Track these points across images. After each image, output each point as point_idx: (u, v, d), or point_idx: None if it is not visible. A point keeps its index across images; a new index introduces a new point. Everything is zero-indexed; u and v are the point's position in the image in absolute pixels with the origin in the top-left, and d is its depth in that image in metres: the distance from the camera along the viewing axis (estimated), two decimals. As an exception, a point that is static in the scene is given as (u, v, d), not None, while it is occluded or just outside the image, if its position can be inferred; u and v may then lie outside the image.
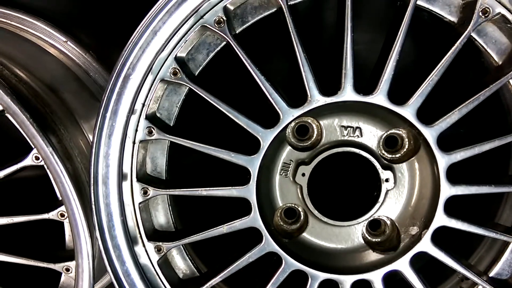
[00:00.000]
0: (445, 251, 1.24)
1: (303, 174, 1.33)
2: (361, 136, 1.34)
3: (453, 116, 1.20)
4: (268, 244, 1.26)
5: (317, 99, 1.22)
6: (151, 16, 1.17)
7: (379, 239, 1.35)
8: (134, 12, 1.26)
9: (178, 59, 1.25)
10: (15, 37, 1.73)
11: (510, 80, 1.25)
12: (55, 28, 1.78)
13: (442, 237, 1.26)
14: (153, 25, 1.17)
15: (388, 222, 1.35)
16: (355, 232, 1.36)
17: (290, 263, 1.25)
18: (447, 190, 1.22)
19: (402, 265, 1.25)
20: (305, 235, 1.37)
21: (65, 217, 1.27)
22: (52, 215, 1.28)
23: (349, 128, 1.34)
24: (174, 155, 1.37)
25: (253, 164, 1.25)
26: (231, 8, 1.25)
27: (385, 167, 1.32)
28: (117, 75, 1.18)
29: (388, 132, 1.32)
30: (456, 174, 1.25)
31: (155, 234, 1.32)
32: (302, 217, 1.36)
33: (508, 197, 1.40)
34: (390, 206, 1.35)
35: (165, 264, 1.33)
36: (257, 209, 1.26)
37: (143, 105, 1.25)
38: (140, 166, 1.30)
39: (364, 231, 1.36)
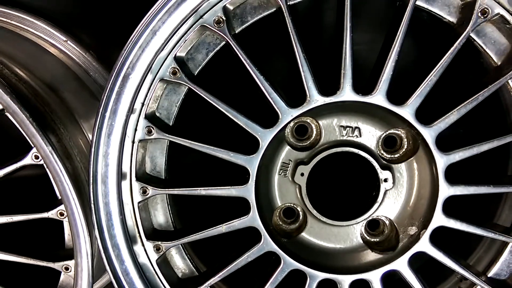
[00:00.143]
0: (444, 251, 1.24)
1: (302, 174, 1.33)
2: (360, 136, 1.35)
3: (452, 117, 1.20)
4: (267, 243, 1.26)
5: (316, 99, 1.23)
6: (151, 15, 1.17)
7: (377, 239, 1.35)
8: (134, 12, 1.26)
9: (177, 59, 1.25)
10: (15, 36, 1.73)
11: (509, 81, 1.26)
12: (55, 28, 1.78)
13: (441, 237, 1.26)
14: (152, 24, 1.17)
15: (387, 222, 1.35)
16: (353, 232, 1.36)
17: (288, 263, 1.26)
18: (445, 190, 1.22)
19: (401, 265, 1.25)
20: (304, 234, 1.37)
21: (65, 216, 1.28)
22: (52, 214, 1.29)
23: (348, 128, 1.35)
24: (174, 154, 1.37)
25: (252, 163, 1.25)
26: (231, 8, 1.25)
27: (383, 167, 1.33)
28: (116, 75, 1.18)
29: (387, 132, 1.32)
30: (455, 174, 1.25)
31: (154, 233, 1.33)
32: (301, 217, 1.36)
33: (507, 197, 1.40)
34: (389, 206, 1.35)
35: (164, 263, 1.33)
36: (256, 209, 1.26)
37: (143, 104, 1.26)
38: (140, 165, 1.30)
39: (363, 231, 1.36)
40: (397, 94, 1.24)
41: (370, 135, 1.34)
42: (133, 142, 1.26)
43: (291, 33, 1.20)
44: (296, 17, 1.25)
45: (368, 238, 1.35)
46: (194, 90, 1.25)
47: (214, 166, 1.33)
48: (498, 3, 1.18)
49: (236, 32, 1.30)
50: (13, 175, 1.32)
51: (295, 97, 1.26)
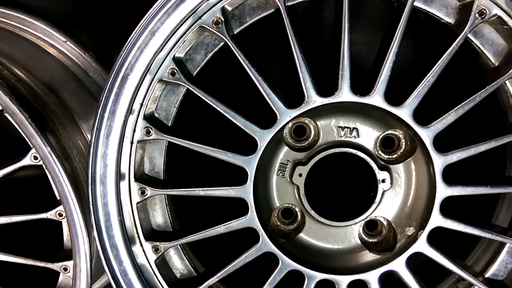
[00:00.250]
0: (441, 251, 1.24)
1: (300, 175, 1.34)
2: (358, 136, 1.35)
3: (449, 117, 1.20)
4: (265, 244, 1.26)
5: (314, 100, 1.23)
6: (149, 16, 1.17)
7: (375, 240, 1.35)
8: (133, 12, 1.27)
9: (176, 60, 1.25)
10: (14, 36, 1.74)
11: (507, 82, 1.26)
12: (54, 28, 1.79)
13: (439, 238, 1.27)
14: (151, 25, 1.18)
15: (385, 222, 1.35)
16: (351, 233, 1.37)
17: (287, 263, 1.26)
18: (443, 191, 1.22)
19: (398, 265, 1.25)
20: (302, 235, 1.37)
21: (63, 216, 1.28)
22: (50, 214, 1.29)
23: (346, 129, 1.35)
24: (172, 155, 1.38)
25: (250, 164, 1.25)
26: (229, 9, 1.25)
27: (381, 168, 1.33)
28: (115, 75, 1.19)
29: (384, 133, 1.32)
30: (453, 174, 1.26)
31: (152, 234, 1.33)
32: (299, 218, 1.36)
33: (505, 198, 1.40)
34: (387, 206, 1.35)
35: (163, 264, 1.34)
36: (254, 209, 1.26)
37: (141, 105, 1.26)
38: (138, 166, 1.30)
39: (361, 231, 1.36)
40: (395, 95, 1.24)
41: (368, 135, 1.35)
42: (131, 142, 1.27)
43: (289, 34, 1.21)
44: (294, 17, 1.26)
45: (366, 238, 1.36)
46: (192, 91, 1.25)
47: (212, 167, 1.33)
48: (496, 4, 1.18)
49: (235, 33, 1.30)
50: (12, 176, 1.32)
51: (294, 97, 1.26)
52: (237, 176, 1.29)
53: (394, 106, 1.21)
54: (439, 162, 1.22)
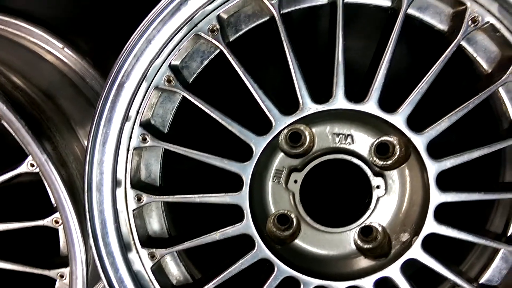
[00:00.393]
0: (436, 257, 1.25)
1: (296, 181, 1.35)
2: (353, 143, 1.36)
3: (442, 124, 1.21)
4: (261, 250, 1.27)
5: (309, 107, 1.24)
6: (145, 24, 1.18)
7: (370, 246, 1.36)
8: (131, 18, 1.28)
9: (172, 67, 1.26)
10: (11, 43, 1.75)
11: (500, 88, 1.27)
12: (52, 34, 1.80)
13: (434, 244, 1.27)
14: (147, 33, 1.19)
15: (380, 228, 1.36)
16: (347, 239, 1.37)
17: (282, 270, 1.26)
18: (437, 197, 1.23)
19: (393, 271, 1.26)
20: (297, 241, 1.38)
21: (60, 223, 1.28)
22: (47, 221, 1.29)
23: (340, 135, 1.36)
24: (168, 161, 1.38)
25: (246, 171, 1.26)
26: (225, 16, 1.26)
27: (376, 174, 1.34)
28: (111, 83, 1.20)
29: (379, 139, 1.33)
30: (448, 180, 1.27)
31: (148, 241, 1.33)
32: (294, 224, 1.37)
33: (500, 204, 1.41)
34: (382, 212, 1.36)
35: (159, 270, 1.34)
36: (250, 216, 1.27)
37: (138, 112, 1.27)
38: (134, 172, 1.31)
39: (356, 237, 1.37)
40: (390, 101, 1.25)
41: (362, 142, 1.35)
42: (128, 149, 1.27)
43: (284, 42, 1.22)
44: (290, 24, 1.27)
45: (361, 244, 1.36)
46: (188, 98, 1.26)
47: (209, 172, 1.34)
48: (489, 11, 1.19)
49: (231, 40, 1.31)
50: (10, 182, 1.33)
51: (289, 103, 1.27)
52: (234, 181, 1.29)
53: (388, 113, 1.22)
54: (433, 168, 1.23)
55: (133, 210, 1.29)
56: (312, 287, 1.27)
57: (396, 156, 1.32)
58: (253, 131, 1.25)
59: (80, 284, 1.27)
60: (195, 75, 1.33)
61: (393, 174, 1.35)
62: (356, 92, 1.27)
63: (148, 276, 1.29)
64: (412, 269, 1.30)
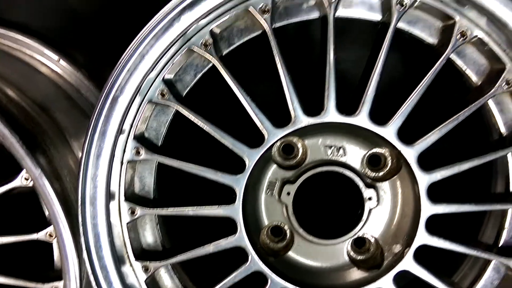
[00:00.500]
0: (428, 269, 1.26)
1: (288, 193, 1.35)
2: (345, 155, 1.37)
3: (432, 136, 1.22)
4: (254, 263, 1.27)
5: (301, 120, 1.25)
6: (139, 40, 1.19)
7: (363, 257, 1.36)
8: (126, 30, 1.29)
9: (165, 81, 1.27)
10: (7, 56, 1.76)
11: (489, 101, 1.29)
12: (47, 47, 1.81)
13: (427, 254, 1.28)
14: (140, 48, 1.20)
15: (372, 240, 1.37)
16: (339, 250, 1.38)
17: (276, 282, 1.27)
18: (428, 209, 1.24)
19: (386, 283, 1.26)
20: (290, 253, 1.39)
21: (54, 237, 1.29)
22: (41, 235, 1.30)
23: (333, 147, 1.37)
24: (162, 173, 1.39)
25: (239, 183, 1.27)
26: (218, 31, 1.28)
27: (368, 186, 1.35)
28: (105, 97, 1.21)
29: (371, 151, 1.34)
30: (441, 191, 1.28)
31: (142, 254, 1.34)
32: (288, 235, 1.37)
33: (491, 215, 1.42)
34: (374, 224, 1.37)
35: (153, 283, 1.34)
36: (243, 229, 1.27)
37: (131, 125, 1.28)
38: (128, 185, 1.32)
39: (349, 248, 1.38)
40: (382, 112, 1.26)
41: (354, 154, 1.37)
42: (121, 162, 1.28)
43: (276, 56, 1.24)
44: (283, 36, 1.28)
45: (354, 256, 1.37)
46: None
47: (204, 183, 1.34)
48: (477, 25, 1.21)
49: (224, 54, 1.33)
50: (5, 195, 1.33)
51: (283, 115, 1.28)
52: (229, 192, 1.30)
53: (379, 126, 1.24)
54: (424, 180, 1.24)
55: (127, 223, 1.29)
56: (305, 299, 1.27)
57: (388, 168, 1.33)
58: (246, 143, 1.26)
59: (73, 298, 1.27)
60: (188, 88, 1.34)
61: (385, 186, 1.36)
62: (350, 103, 1.29)
63: (142, 289, 1.30)
64: (405, 280, 1.31)
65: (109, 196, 1.27)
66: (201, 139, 1.32)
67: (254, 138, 1.28)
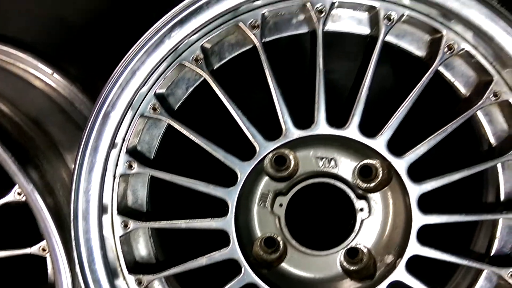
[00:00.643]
0: (421, 279, 1.27)
1: (281, 205, 1.36)
2: (336, 166, 1.38)
3: (422, 148, 1.24)
4: (247, 275, 1.28)
5: (292, 133, 1.26)
6: (130, 56, 1.21)
7: (356, 267, 1.37)
8: (120, 43, 1.30)
9: (157, 95, 1.28)
10: (0, 70, 1.77)
11: (478, 112, 1.30)
12: (41, 60, 1.82)
13: (421, 264, 1.29)
14: (131, 65, 1.21)
15: (365, 250, 1.38)
16: (332, 261, 1.38)
17: (268, 294, 1.28)
18: (419, 220, 1.25)
19: (378, 293, 1.27)
20: (283, 265, 1.39)
21: (47, 251, 1.29)
22: (34, 250, 1.30)
23: (324, 159, 1.38)
24: (155, 186, 1.40)
25: (231, 196, 1.28)
26: (208, 46, 1.29)
27: (359, 197, 1.36)
28: (96, 113, 1.22)
29: (362, 162, 1.36)
30: (433, 200, 1.29)
31: (135, 267, 1.34)
32: (281, 247, 1.38)
33: (483, 224, 1.43)
34: (366, 235, 1.38)
35: (146, 296, 1.35)
36: (236, 241, 1.28)
37: (124, 139, 1.28)
38: (121, 199, 1.32)
39: (342, 259, 1.38)
40: (373, 122, 1.28)
41: (346, 165, 1.38)
42: (114, 176, 1.29)
43: (266, 70, 1.25)
44: (275, 48, 1.30)
45: (347, 266, 1.38)
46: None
47: (197, 195, 1.35)
48: (464, 38, 1.23)
49: (215, 68, 1.34)
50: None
51: (275, 127, 1.29)
52: (221, 204, 1.31)
53: (369, 138, 1.25)
54: (414, 191, 1.25)
55: (120, 237, 1.30)
56: (298, 310, 1.28)
57: (379, 179, 1.35)
58: (238, 156, 1.27)
59: (66, 313, 1.27)
60: (180, 102, 1.35)
61: (376, 197, 1.38)
62: (341, 113, 1.30)
63: (135, 303, 1.30)
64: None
65: (102, 210, 1.27)
66: (194, 152, 1.33)
67: (246, 150, 1.30)
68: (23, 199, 1.26)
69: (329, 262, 1.39)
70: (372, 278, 1.33)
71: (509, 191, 1.33)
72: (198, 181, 1.28)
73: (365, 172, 1.37)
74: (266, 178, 1.40)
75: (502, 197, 1.34)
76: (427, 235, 1.28)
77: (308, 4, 1.23)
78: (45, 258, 1.38)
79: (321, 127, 1.25)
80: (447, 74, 1.31)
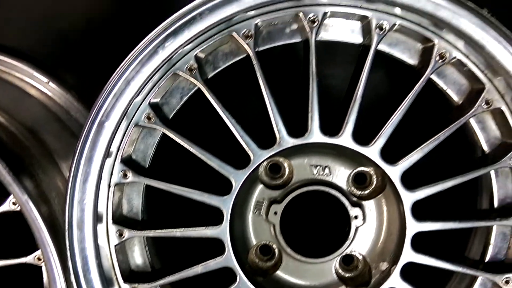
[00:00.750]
0: (416, 286, 1.27)
1: (276, 213, 1.37)
2: (331, 174, 1.39)
3: (415, 156, 1.25)
4: (243, 283, 1.28)
5: (286, 141, 1.27)
6: (124, 66, 1.21)
7: (352, 274, 1.38)
8: (116, 51, 1.31)
9: (152, 104, 1.29)
10: (-3, 80, 1.77)
11: (471, 119, 1.31)
12: (37, 69, 1.82)
13: (417, 271, 1.29)
14: (126, 75, 1.22)
15: (360, 257, 1.38)
16: (328, 269, 1.39)
17: (264, 302, 1.28)
18: (413, 227, 1.26)
19: (373, 301, 1.28)
20: (279, 273, 1.39)
21: (42, 261, 1.29)
22: (29, 259, 1.30)
23: (318, 167, 1.39)
24: (151, 194, 1.40)
25: (226, 204, 1.28)
26: (202, 55, 1.30)
27: (354, 204, 1.36)
28: (91, 123, 1.22)
29: (356, 170, 1.36)
30: (427, 207, 1.29)
31: (131, 275, 1.34)
32: (276, 254, 1.38)
33: (477, 231, 1.43)
34: (361, 242, 1.38)
35: (142, 305, 1.35)
36: (231, 249, 1.28)
37: (118, 149, 1.29)
38: (116, 207, 1.33)
39: (338, 266, 1.39)
40: (368, 130, 1.28)
41: (340, 173, 1.39)
42: (109, 185, 1.29)
43: (259, 79, 1.26)
44: (270, 55, 1.31)
45: (342, 273, 1.38)
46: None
47: (192, 203, 1.35)
48: (455, 47, 1.24)
49: (209, 77, 1.35)
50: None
51: (269, 136, 1.30)
52: (216, 211, 1.31)
53: (362, 146, 1.26)
54: (408, 198, 1.25)
55: (115, 245, 1.30)
56: (293, 318, 1.28)
57: (374, 186, 1.35)
58: (233, 164, 1.28)
59: (61, 322, 1.27)
60: (175, 110, 1.36)
61: (370, 204, 1.38)
62: (336, 119, 1.30)
63: (131, 312, 1.30)
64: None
65: (97, 219, 1.27)
66: (189, 160, 1.34)
67: (241, 158, 1.30)
68: (18, 208, 1.26)
69: (324, 270, 1.39)
70: (367, 285, 1.34)
71: (503, 197, 1.34)
72: (193, 190, 1.29)
73: (359, 179, 1.37)
74: (260, 186, 1.40)
75: (495, 204, 1.34)
76: (422, 242, 1.29)
77: (301, 14, 1.24)
78: (41, 268, 1.38)
79: (315, 135, 1.26)
80: (440, 82, 1.32)
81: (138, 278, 1.34)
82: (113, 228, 1.29)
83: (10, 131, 1.44)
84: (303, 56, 1.35)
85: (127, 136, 1.29)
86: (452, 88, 1.33)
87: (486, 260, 1.34)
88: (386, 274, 1.31)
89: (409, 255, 1.26)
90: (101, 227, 1.28)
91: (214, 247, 1.31)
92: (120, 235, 1.30)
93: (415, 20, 1.23)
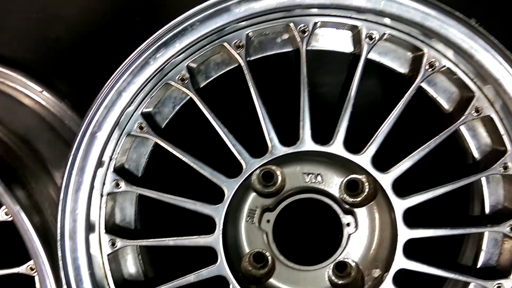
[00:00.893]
0: (408, 292, 1.28)
1: (268, 221, 1.37)
2: (323, 181, 1.39)
3: (406, 163, 1.25)
4: (236, 292, 1.28)
5: (277, 150, 1.28)
6: (115, 77, 1.21)
7: (345, 281, 1.38)
8: (109, 59, 1.31)
9: (144, 114, 1.30)
10: (-10, 90, 1.77)
11: (461, 127, 1.32)
12: (30, 78, 1.83)
13: (410, 277, 1.30)
14: (117, 85, 1.22)
15: (353, 264, 1.39)
16: (321, 276, 1.39)
17: (257, 310, 1.28)
18: (404, 234, 1.26)
19: (366, 308, 1.28)
20: (272, 280, 1.40)
21: (35, 271, 1.29)
22: (22, 269, 1.30)
23: (311, 175, 1.40)
24: (144, 203, 1.40)
25: (219, 213, 1.28)
26: (194, 65, 1.31)
27: (346, 212, 1.37)
28: (82, 134, 1.22)
29: (348, 177, 1.37)
30: (419, 214, 1.30)
31: (124, 285, 1.34)
32: (270, 262, 1.39)
33: (470, 237, 1.44)
34: (353, 249, 1.39)
35: (134, 315, 1.35)
36: (224, 258, 1.28)
37: (111, 158, 1.29)
38: (109, 217, 1.33)
39: (331, 273, 1.39)
40: (359, 137, 1.29)
41: (332, 180, 1.39)
42: (101, 195, 1.29)
43: (251, 88, 1.27)
44: (263, 63, 1.32)
45: (335, 280, 1.38)
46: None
47: (185, 211, 1.35)
48: (445, 56, 1.25)
49: (201, 86, 1.36)
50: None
51: (261, 144, 1.31)
52: (209, 220, 1.31)
53: (354, 154, 1.27)
54: (399, 206, 1.26)
55: (108, 255, 1.30)
56: (286, 327, 1.28)
57: (366, 193, 1.36)
58: (225, 173, 1.28)
59: (54, 333, 1.27)
60: (167, 120, 1.36)
61: (363, 212, 1.39)
62: (328, 125, 1.31)
63: (123, 322, 1.30)
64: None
65: (89, 228, 1.27)
66: (181, 169, 1.34)
67: (233, 166, 1.30)
68: (10, 219, 1.26)
69: (317, 277, 1.39)
70: (360, 293, 1.35)
71: (494, 204, 1.35)
72: (186, 199, 1.29)
73: (351, 187, 1.38)
74: (253, 194, 1.41)
75: (487, 210, 1.35)
76: (414, 249, 1.29)
77: (292, 24, 1.25)
78: (33, 278, 1.38)
79: (307, 143, 1.27)
80: (430, 90, 1.34)
81: (131, 287, 1.34)
82: (105, 238, 1.29)
83: (3, 141, 1.44)
84: (294, 65, 1.35)
85: (119, 146, 1.29)
86: (443, 96, 1.34)
87: (478, 266, 1.36)
88: (378, 281, 1.31)
89: (401, 262, 1.27)
90: (93, 237, 1.28)
91: (208, 256, 1.31)
92: (113, 244, 1.30)
93: (405, 30, 1.24)
